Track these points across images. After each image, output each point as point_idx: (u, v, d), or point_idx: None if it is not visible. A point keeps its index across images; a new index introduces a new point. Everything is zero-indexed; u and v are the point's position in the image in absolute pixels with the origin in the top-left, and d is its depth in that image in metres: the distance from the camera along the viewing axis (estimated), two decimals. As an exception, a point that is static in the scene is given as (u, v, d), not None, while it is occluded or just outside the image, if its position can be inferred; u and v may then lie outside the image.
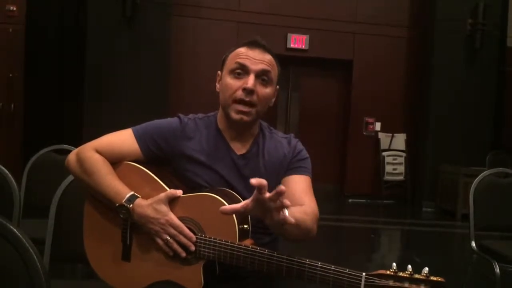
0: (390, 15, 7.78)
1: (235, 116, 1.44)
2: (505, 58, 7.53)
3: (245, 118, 1.44)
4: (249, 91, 1.43)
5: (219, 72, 1.54)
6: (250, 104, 1.44)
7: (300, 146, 1.58)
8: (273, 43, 7.80)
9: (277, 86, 1.54)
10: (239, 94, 1.44)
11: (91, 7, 6.41)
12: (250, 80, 1.43)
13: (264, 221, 1.22)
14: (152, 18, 6.61)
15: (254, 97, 1.44)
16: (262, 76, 1.46)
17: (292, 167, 1.52)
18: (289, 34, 7.60)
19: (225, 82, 1.48)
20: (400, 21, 7.83)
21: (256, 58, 1.45)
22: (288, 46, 7.60)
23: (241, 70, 1.45)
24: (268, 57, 1.48)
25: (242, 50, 1.48)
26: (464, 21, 7.14)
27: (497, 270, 2.47)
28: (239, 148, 1.51)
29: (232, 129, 1.51)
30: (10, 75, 6.45)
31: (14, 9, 6.47)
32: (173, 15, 6.97)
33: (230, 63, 1.48)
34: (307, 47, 7.67)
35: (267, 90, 1.47)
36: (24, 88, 6.43)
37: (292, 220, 1.15)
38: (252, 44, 1.49)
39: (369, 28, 7.72)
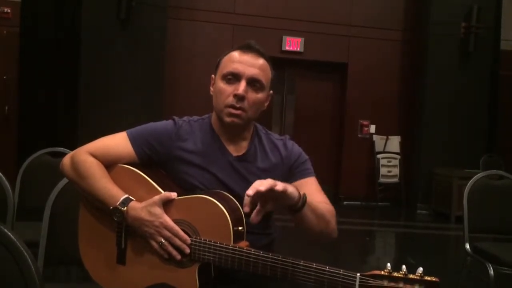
0: (385, 19, 7.80)
1: (227, 119, 1.46)
2: (499, 61, 7.57)
3: (236, 120, 1.46)
4: (239, 97, 1.44)
5: (213, 75, 1.55)
6: (240, 109, 1.45)
7: (297, 148, 1.59)
8: (268, 45, 7.82)
9: (271, 91, 1.54)
10: (230, 100, 1.45)
11: (85, 9, 6.38)
12: (241, 87, 1.44)
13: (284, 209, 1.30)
14: (147, 21, 6.59)
15: (245, 103, 1.45)
16: (253, 82, 1.46)
17: (296, 172, 1.54)
18: (284, 37, 7.60)
19: (217, 87, 1.49)
20: (394, 24, 7.86)
21: (249, 63, 1.46)
22: (283, 49, 7.60)
23: (232, 77, 1.46)
24: (261, 61, 1.48)
25: (235, 54, 1.49)
26: (458, 25, 7.17)
27: (491, 272, 2.48)
28: (235, 150, 1.52)
29: (226, 131, 1.52)
30: (5, 77, 6.42)
31: (9, 11, 6.44)
32: (168, 18, 6.95)
33: (223, 67, 1.49)
34: (302, 50, 7.68)
35: (258, 96, 1.48)
36: (19, 90, 6.40)
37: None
38: (246, 48, 1.50)
39: (364, 31, 7.74)
